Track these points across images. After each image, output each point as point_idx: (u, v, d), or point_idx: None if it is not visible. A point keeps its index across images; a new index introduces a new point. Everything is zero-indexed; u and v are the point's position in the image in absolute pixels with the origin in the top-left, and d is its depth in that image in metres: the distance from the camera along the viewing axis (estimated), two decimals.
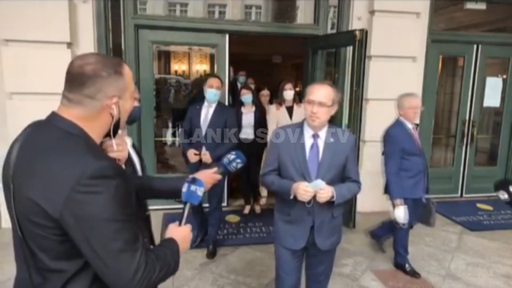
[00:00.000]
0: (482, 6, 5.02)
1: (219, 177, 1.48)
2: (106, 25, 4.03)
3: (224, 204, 4.49)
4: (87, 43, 3.92)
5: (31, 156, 0.97)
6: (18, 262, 1.07)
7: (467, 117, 5.29)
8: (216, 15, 4.88)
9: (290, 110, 4.20)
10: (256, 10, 5.00)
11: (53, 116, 1.03)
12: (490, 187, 5.77)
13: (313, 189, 1.81)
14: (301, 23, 4.85)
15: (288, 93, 4.16)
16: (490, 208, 4.86)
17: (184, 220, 1.22)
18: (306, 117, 1.94)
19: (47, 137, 0.99)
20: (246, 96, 4.24)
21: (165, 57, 9.08)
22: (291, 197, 1.89)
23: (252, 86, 5.51)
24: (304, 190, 1.82)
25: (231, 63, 4.94)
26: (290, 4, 5.00)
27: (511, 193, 1.33)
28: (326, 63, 4.77)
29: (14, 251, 1.07)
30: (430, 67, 4.88)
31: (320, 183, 1.81)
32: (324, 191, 1.82)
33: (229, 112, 3.51)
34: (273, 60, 10.65)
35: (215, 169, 1.45)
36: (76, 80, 1.00)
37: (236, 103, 4.57)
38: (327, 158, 1.94)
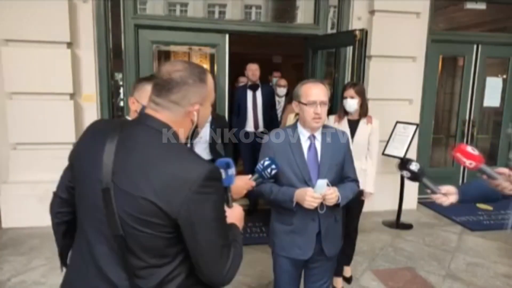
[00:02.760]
0: (482, 6, 5.03)
1: (253, 183, 1.52)
2: (106, 25, 4.04)
3: None
4: (87, 43, 3.93)
5: (140, 157, 1.00)
6: (80, 260, 1.08)
7: (467, 117, 5.29)
8: (216, 15, 4.87)
9: (353, 126, 2.87)
10: (256, 10, 4.99)
11: (148, 118, 1.07)
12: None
13: (320, 193, 1.74)
14: (301, 23, 4.85)
15: (350, 103, 2.83)
16: (490, 208, 4.85)
17: (230, 201, 1.29)
18: (306, 119, 1.86)
19: (152, 141, 1.03)
20: None
21: (165, 57, 9.06)
22: (294, 204, 1.80)
23: (284, 90, 5.16)
24: (312, 197, 1.73)
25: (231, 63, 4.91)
26: (290, 4, 5.00)
27: (411, 170, 1.60)
28: (326, 63, 4.77)
29: (78, 250, 1.10)
30: (430, 67, 4.88)
31: (323, 185, 1.74)
32: (331, 192, 1.75)
33: (222, 119, 3.11)
34: (273, 60, 10.62)
35: (249, 175, 1.47)
36: (164, 86, 1.06)
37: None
38: (327, 158, 1.88)
